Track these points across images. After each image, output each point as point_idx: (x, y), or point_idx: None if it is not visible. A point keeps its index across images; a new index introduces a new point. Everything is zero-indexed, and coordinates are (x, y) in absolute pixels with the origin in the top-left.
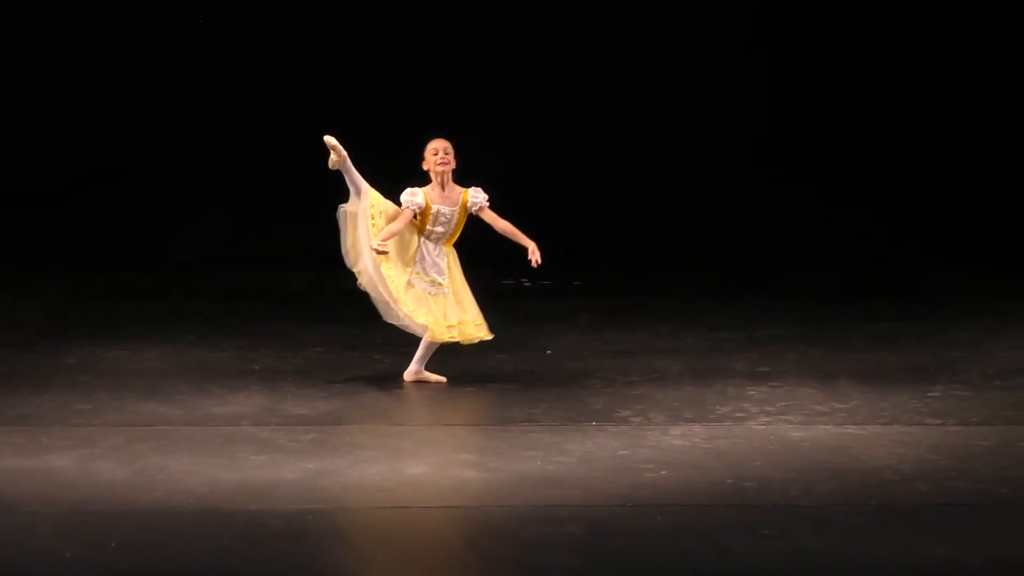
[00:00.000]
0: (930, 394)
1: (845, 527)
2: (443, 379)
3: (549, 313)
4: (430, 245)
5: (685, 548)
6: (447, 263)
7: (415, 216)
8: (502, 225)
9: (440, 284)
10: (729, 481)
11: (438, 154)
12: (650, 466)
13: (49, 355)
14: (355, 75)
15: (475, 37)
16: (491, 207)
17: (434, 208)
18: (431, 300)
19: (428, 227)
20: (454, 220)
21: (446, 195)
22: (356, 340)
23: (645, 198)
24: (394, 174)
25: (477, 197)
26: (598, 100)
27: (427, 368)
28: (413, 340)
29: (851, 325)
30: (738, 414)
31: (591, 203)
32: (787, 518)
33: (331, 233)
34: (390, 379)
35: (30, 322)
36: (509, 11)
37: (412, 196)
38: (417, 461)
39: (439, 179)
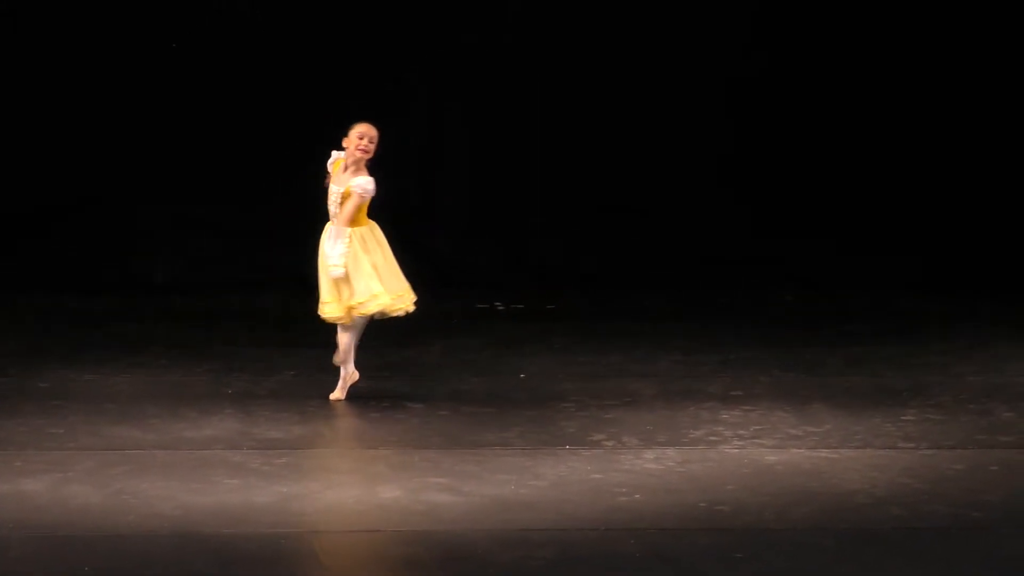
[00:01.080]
0: (903, 418)
1: (819, 551)
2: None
3: (522, 336)
4: (330, 229)
5: (659, 572)
6: (348, 243)
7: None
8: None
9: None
10: (703, 505)
11: (363, 139)
12: (623, 490)
13: (22, 379)
14: (338, 83)
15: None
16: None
17: (330, 187)
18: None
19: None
20: (337, 203)
21: (346, 177)
22: (329, 364)
23: (618, 221)
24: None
25: (356, 186)
26: (567, 124)
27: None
28: (388, 365)
29: (824, 349)
30: (712, 438)
31: (565, 225)
32: (761, 542)
33: (304, 256)
34: (363, 403)
35: (2, 346)
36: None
37: (329, 163)
38: (390, 485)
39: (351, 160)
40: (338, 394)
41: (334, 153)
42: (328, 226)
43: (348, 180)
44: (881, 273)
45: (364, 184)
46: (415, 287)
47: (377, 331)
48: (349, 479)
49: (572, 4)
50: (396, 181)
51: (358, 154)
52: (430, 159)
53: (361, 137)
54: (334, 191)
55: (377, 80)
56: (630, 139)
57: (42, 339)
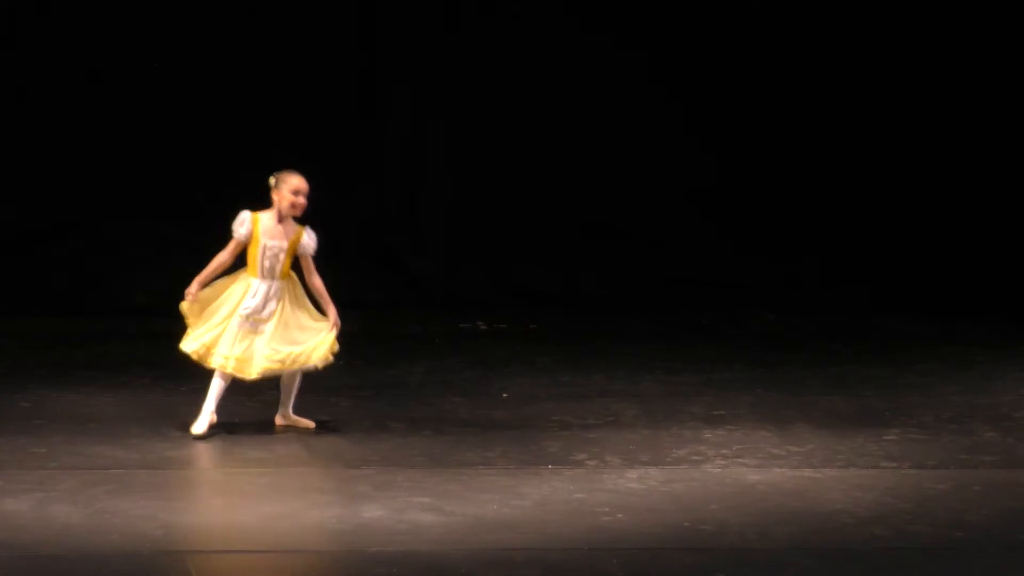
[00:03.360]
0: (886, 438)
1: (801, 570)
2: (311, 424)
3: (505, 356)
4: (263, 286)
5: None
6: (277, 302)
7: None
8: (312, 280)
9: (262, 320)
10: (685, 524)
11: (299, 195)
12: (606, 509)
13: (2, 398)
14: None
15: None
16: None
17: (262, 242)
18: (252, 338)
19: (257, 261)
20: (281, 257)
21: (281, 229)
22: (312, 383)
23: (598, 240)
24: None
25: (309, 242)
26: (550, 144)
27: (296, 412)
28: (370, 384)
29: (806, 369)
30: (694, 457)
31: (546, 246)
32: (743, 561)
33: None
34: (346, 422)
35: None
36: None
37: (239, 225)
38: (373, 504)
39: (285, 215)
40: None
41: (245, 213)
42: (252, 279)
43: (288, 231)
44: (861, 294)
45: (314, 239)
46: (398, 307)
47: (360, 351)
48: (332, 498)
49: (556, 26)
50: (378, 201)
51: (296, 213)
52: (412, 178)
53: (296, 193)
54: (272, 246)
55: (358, 98)
56: (613, 160)
57: (23, 360)
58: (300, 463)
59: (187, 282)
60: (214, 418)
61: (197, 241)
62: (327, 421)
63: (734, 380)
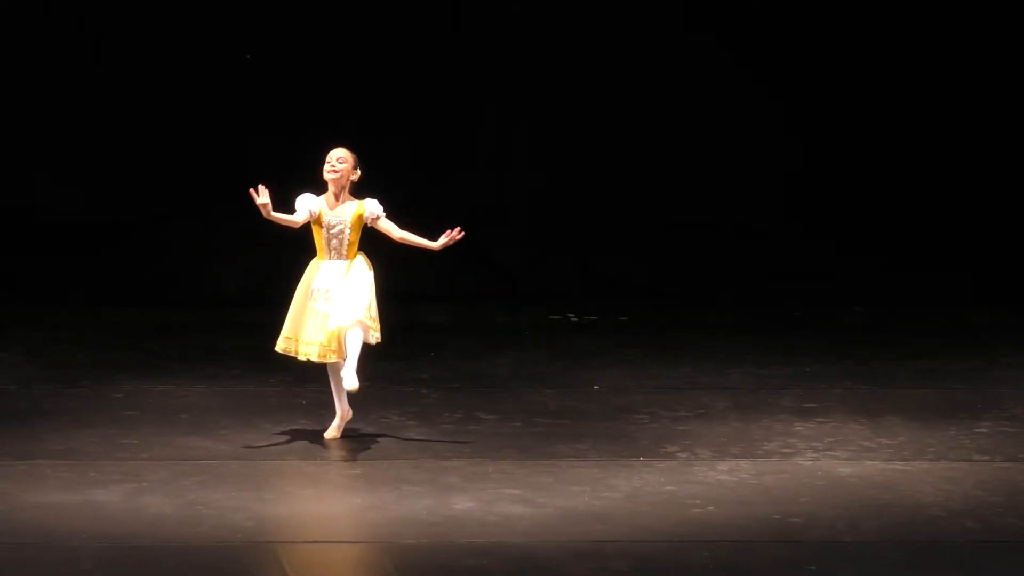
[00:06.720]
0: (977, 430)
1: (891, 564)
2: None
3: (595, 348)
4: (330, 265)
5: None
6: (343, 278)
7: (312, 224)
8: (399, 235)
9: (329, 296)
10: (776, 517)
11: (327, 163)
12: (697, 502)
13: (94, 390)
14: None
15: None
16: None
17: (326, 218)
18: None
19: (323, 242)
20: (346, 233)
21: (339, 205)
22: (401, 375)
23: (686, 233)
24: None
25: (373, 208)
26: (632, 131)
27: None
28: (460, 376)
29: (895, 362)
30: (785, 450)
31: (635, 238)
32: (833, 554)
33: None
34: (435, 414)
35: (74, 358)
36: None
37: (305, 200)
38: (463, 496)
39: (331, 188)
40: (333, 432)
41: (306, 195)
42: (320, 262)
43: (349, 208)
44: (947, 288)
45: (377, 204)
46: (487, 299)
47: (449, 343)
48: (422, 490)
49: (643, 21)
50: (467, 193)
51: (328, 178)
52: (500, 171)
53: (326, 161)
54: (339, 222)
55: (447, 94)
56: (700, 154)
57: (113, 351)
58: (390, 455)
59: (276, 275)
60: (347, 414)
61: (286, 234)
62: (416, 412)
63: (823, 372)
